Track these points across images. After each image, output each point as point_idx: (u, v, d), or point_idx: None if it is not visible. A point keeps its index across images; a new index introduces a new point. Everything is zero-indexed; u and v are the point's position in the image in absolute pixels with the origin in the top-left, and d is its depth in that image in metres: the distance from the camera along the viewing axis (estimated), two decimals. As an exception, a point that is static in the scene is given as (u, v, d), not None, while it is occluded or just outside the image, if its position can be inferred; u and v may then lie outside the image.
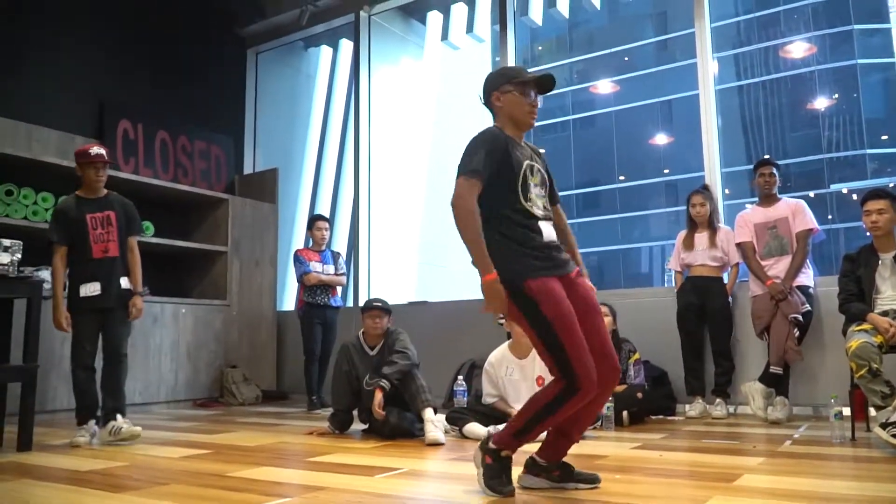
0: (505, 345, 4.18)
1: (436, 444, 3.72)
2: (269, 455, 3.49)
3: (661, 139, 28.62)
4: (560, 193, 2.64)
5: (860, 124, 25.90)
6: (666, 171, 27.86)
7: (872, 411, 3.48)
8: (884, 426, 3.13)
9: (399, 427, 3.98)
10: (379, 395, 3.93)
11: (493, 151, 2.36)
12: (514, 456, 2.43)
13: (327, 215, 7.46)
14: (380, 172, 7.42)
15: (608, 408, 4.19)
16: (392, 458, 3.30)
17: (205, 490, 2.63)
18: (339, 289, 6.10)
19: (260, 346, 7.03)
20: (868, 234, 3.83)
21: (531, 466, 2.49)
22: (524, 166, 2.41)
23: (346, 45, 8.51)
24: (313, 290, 5.89)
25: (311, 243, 6.14)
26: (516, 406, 3.97)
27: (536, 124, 2.63)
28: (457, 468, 3.04)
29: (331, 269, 6.00)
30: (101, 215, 4.13)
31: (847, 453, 3.22)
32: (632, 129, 28.42)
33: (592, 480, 2.49)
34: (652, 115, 28.58)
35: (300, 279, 5.95)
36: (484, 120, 2.67)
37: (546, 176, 2.54)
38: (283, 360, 7.19)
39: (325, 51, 8.73)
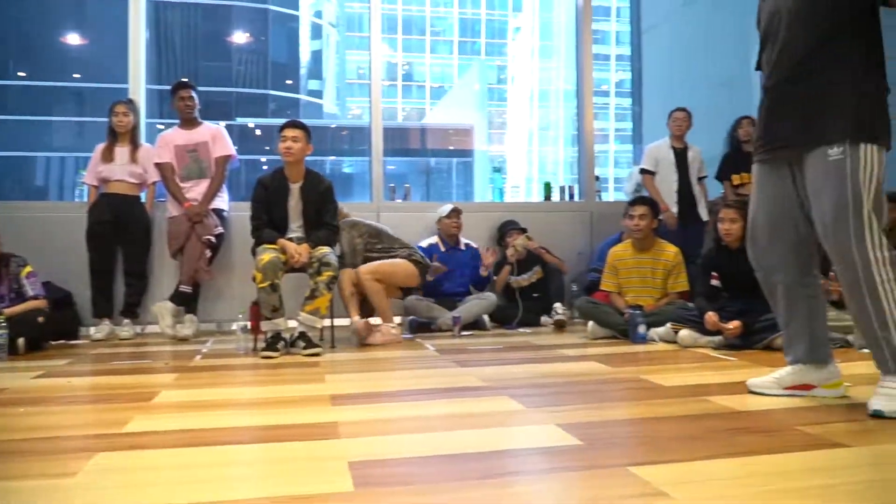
0: None
1: None
2: None
3: (74, 39, 25.87)
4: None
5: (266, 65, 28.21)
6: (76, 75, 25.42)
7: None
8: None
9: None
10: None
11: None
12: None
13: None
14: None
15: (1, 335, 3.68)
16: None
17: None
18: None
19: None
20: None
21: None
22: None
23: None
24: None
25: None
26: None
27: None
28: None
29: None
30: None
31: (249, 362, 3.54)
32: (37, 18, 24.90)
33: None
34: (61, 8, 25.56)
35: None
36: None
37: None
38: None
39: None
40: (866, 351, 3.42)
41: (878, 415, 2.05)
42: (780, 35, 2.27)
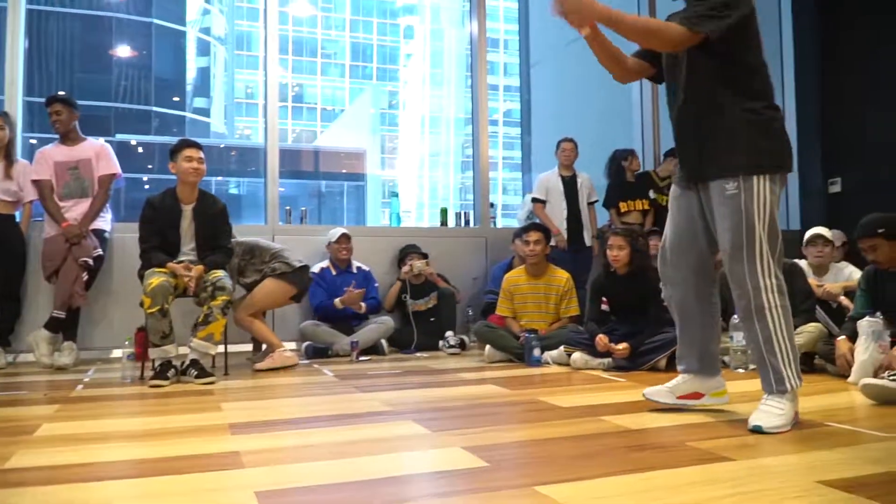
0: None
1: None
2: None
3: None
4: None
5: (150, 80, 27.13)
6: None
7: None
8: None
9: None
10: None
11: None
12: None
13: None
14: None
15: None
16: None
17: None
18: None
19: None
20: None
21: None
22: None
23: None
24: None
25: None
26: None
27: None
28: None
29: None
30: None
31: (136, 391, 3.37)
32: None
33: None
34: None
35: None
36: None
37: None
38: None
39: None
40: (741, 371, 3.70)
41: (757, 430, 2.21)
42: (679, 77, 2.43)
